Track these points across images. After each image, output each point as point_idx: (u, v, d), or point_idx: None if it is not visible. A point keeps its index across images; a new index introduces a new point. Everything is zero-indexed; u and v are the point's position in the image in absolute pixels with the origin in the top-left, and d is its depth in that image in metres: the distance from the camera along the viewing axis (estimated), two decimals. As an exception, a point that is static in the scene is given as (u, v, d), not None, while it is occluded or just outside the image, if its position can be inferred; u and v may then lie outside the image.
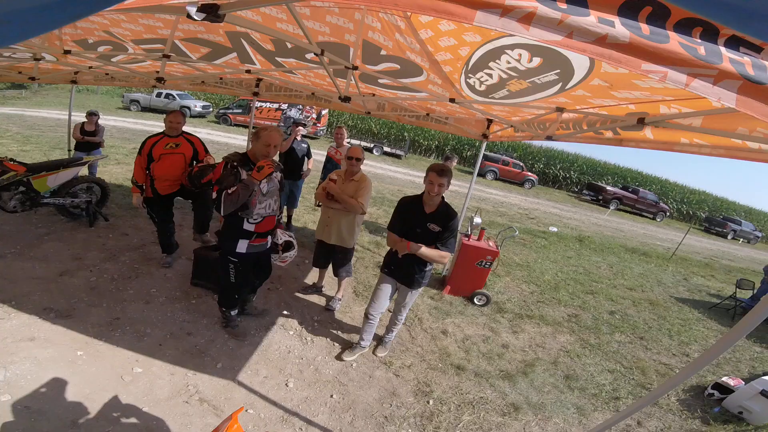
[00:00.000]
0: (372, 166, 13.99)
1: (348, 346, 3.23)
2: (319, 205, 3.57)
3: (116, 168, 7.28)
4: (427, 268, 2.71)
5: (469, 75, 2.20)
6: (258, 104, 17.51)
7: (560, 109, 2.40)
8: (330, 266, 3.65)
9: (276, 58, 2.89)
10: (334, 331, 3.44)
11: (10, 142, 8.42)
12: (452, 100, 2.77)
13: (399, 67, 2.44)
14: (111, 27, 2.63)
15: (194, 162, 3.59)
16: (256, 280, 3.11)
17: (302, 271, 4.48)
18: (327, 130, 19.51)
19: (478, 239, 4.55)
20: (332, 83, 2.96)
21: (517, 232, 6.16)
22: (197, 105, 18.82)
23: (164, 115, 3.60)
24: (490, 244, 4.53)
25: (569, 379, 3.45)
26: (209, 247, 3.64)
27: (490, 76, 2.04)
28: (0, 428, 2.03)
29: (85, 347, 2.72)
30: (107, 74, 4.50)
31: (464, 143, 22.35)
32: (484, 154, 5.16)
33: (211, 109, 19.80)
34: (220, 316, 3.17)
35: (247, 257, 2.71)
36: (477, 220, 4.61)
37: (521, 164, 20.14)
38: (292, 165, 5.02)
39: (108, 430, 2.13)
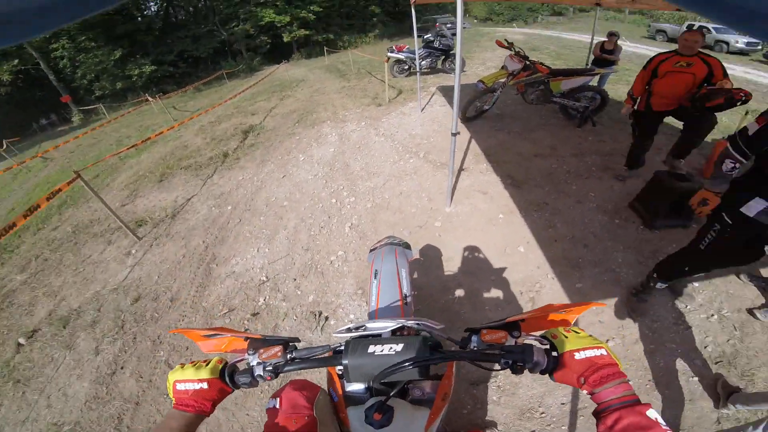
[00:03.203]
0: None
1: (716, 365, 2.15)
2: None
3: (623, 87, 7.48)
4: None
5: None
6: None
7: None
8: None
9: None
10: (725, 337, 2.35)
11: (546, 57, 10.74)
12: None
13: None
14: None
15: (705, 84, 3.15)
16: (735, 262, 2.11)
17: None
18: None
19: None
20: None
21: None
22: (740, 40, 14.15)
23: None
24: None
25: None
26: (674, 175, 3.14)
27: None
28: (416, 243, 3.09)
29: (507, 214, 3.49)
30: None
31: None
32: None
33: (759, 47, 14.39)
34: (638, 283, 2.57)
35: (750, 224, 1.79)
36: None
37: None
38: None
39: (456, 278, 2.76)
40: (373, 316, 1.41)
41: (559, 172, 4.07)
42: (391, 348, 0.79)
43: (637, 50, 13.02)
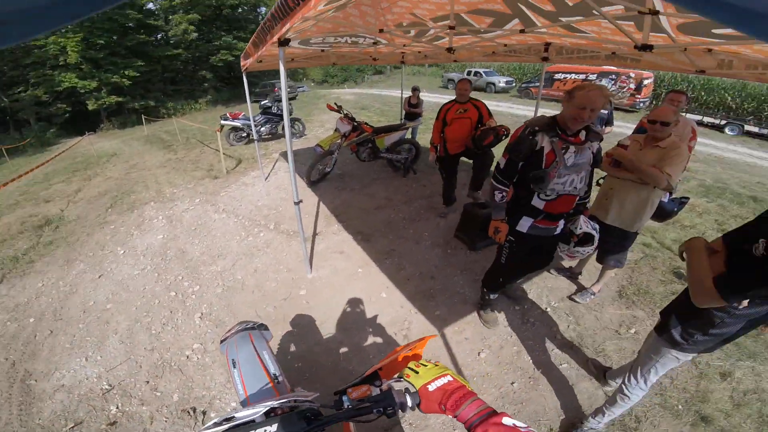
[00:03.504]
0: (721, 148, 9.88)
1: (573, 349, 2.66)
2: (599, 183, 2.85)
3: (428, 135, 9.03)
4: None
5: None
6: (561, 76, 16.17)
7: None
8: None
9: (560, 18, 2.68)
10: (565, 324, 2.92)
11: (373, 115, 12.38)
12: None
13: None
14: (413, 9, 3.15)
15: (479, 125, 3.89)
16: (531, 268, 2.71)
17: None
18: (651, 103, 15.33)
19: None
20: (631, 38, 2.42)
21: None
22: (501, 81, 19.75)
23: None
24: None
25: None
26: (478, 205, 3.93)
27: None
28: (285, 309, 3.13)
29: (365, 266, 3.73)
30: (419, 52, 5.38)
31: None
32: None
33: (514, 84, 20.24)
34: (472, 285, 3.22)
35: (526, 239, 2.25)
36: None
37: None
38: None
39: (336, 337, 2.84)
40: (246, 404, 1.36)
41: (397, 220, 4.61)
42: (265, 431, 0.81)
43: (437, 100, 16.05)
